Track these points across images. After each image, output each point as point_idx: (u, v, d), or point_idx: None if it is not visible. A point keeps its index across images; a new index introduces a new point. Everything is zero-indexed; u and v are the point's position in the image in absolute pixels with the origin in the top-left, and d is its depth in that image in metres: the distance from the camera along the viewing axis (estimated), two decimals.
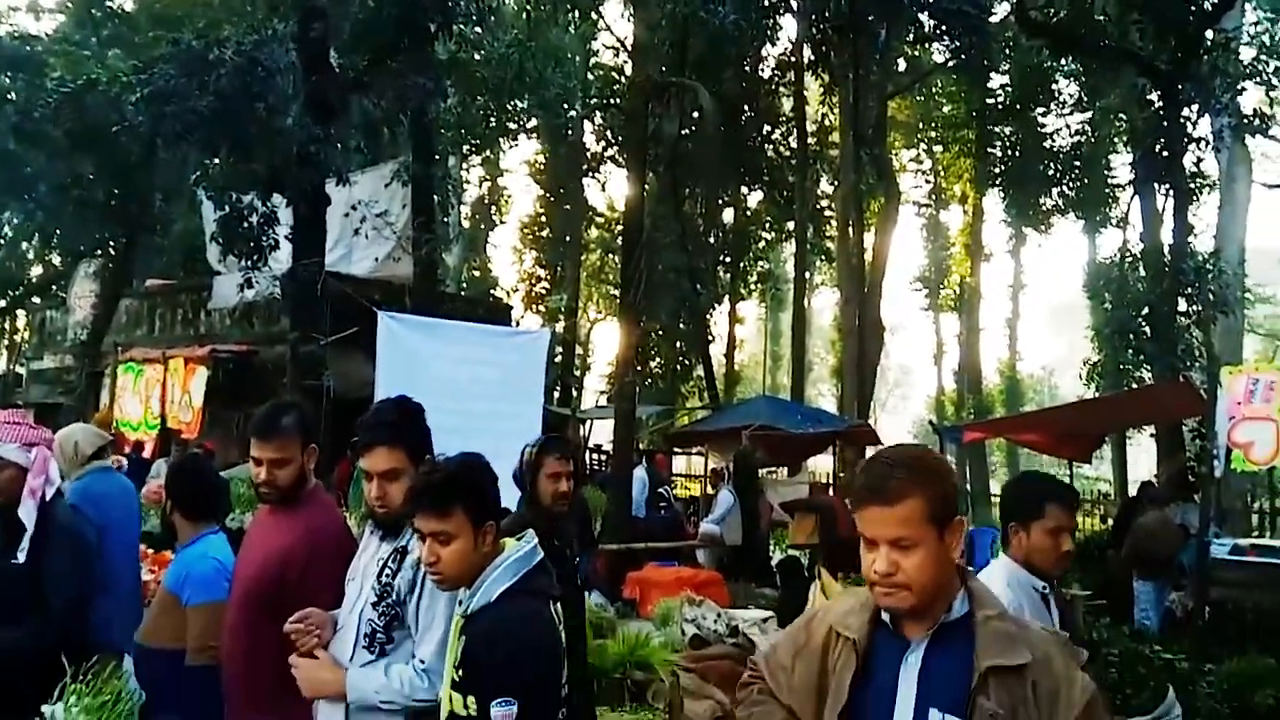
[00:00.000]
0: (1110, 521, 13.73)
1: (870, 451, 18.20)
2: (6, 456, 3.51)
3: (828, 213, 23.77)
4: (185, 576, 3.24)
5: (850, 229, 18.31)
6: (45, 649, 3.34)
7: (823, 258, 25.40)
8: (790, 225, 23.39)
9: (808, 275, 23.96)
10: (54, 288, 22.24)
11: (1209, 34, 13.24)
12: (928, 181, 31.03)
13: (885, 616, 1.73)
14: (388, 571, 2.46)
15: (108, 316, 15.63)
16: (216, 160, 10.55)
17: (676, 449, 18.64)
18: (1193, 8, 13.45)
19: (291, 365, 9.26)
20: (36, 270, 25.26)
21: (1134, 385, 14.00)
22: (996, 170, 25.78)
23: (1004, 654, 1.63)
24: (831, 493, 12.25)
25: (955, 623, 1.69)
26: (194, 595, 3.16)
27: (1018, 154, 24.69)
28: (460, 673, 2.11)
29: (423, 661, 2.35)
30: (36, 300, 22.82)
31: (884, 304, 18.99)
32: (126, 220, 14.76)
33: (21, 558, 3.47)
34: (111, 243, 16.18)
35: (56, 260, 23.11)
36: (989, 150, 25.51)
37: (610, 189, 27.03)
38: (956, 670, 1.64)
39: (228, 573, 3.08)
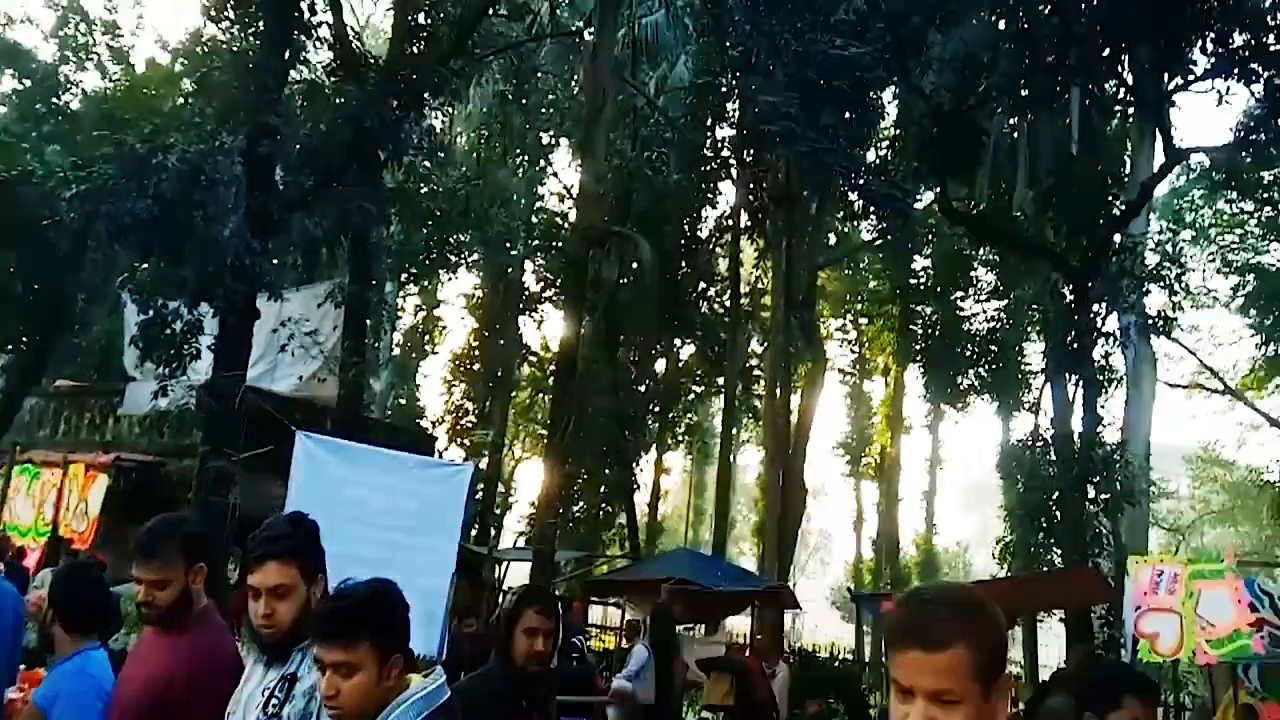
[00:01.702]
0: (1020, 706, 13.63)
1: (788, 616, 18.01)
2: None
3: (757, 372, 24.29)
4: (57, 695, 2.98)
5: (778, 389, 18.71)
6: None
7: (750, 415, 25.75)
8: (720, 380, 23.79)
9: (735, 431, 24.16)
10: None
11: (1117, 238, 14.25)
12: (853, 351, 32.04)
13: None
14: (274, 702, 2.28)
15: (10, 414, 14.87)
16: (146, 264, 10.36)
17: (593, 598, 18.12)
18: (1103, 213, 14.55)
19: (199, 480, 8.84)
20: None
21: (1044, 567, 14.22)
22: (918, 346, 26.80)
23: None
24: (748, 654, 11.94)
25: None
26: (63, 715, 2.88)
27: (938, 333, 25.75)
28: None
29: None
30: None
31: (807, 466, 19.23)
32: (45, 316, 14.31)
33: None
34: (24, 339, 15.59)
35: None
36: (911, 327, 26.58)
37: (546, 329, 27.28)
38: None
39: (105, 694, 2.82)
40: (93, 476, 11.76)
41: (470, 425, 26.24)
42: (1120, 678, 2.77)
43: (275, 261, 10.02)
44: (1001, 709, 1.47)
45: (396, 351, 27.63)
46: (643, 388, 24.33)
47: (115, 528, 11.80)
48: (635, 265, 19.40)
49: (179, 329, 9.20)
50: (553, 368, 20.13)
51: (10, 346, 16.60)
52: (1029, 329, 24.67)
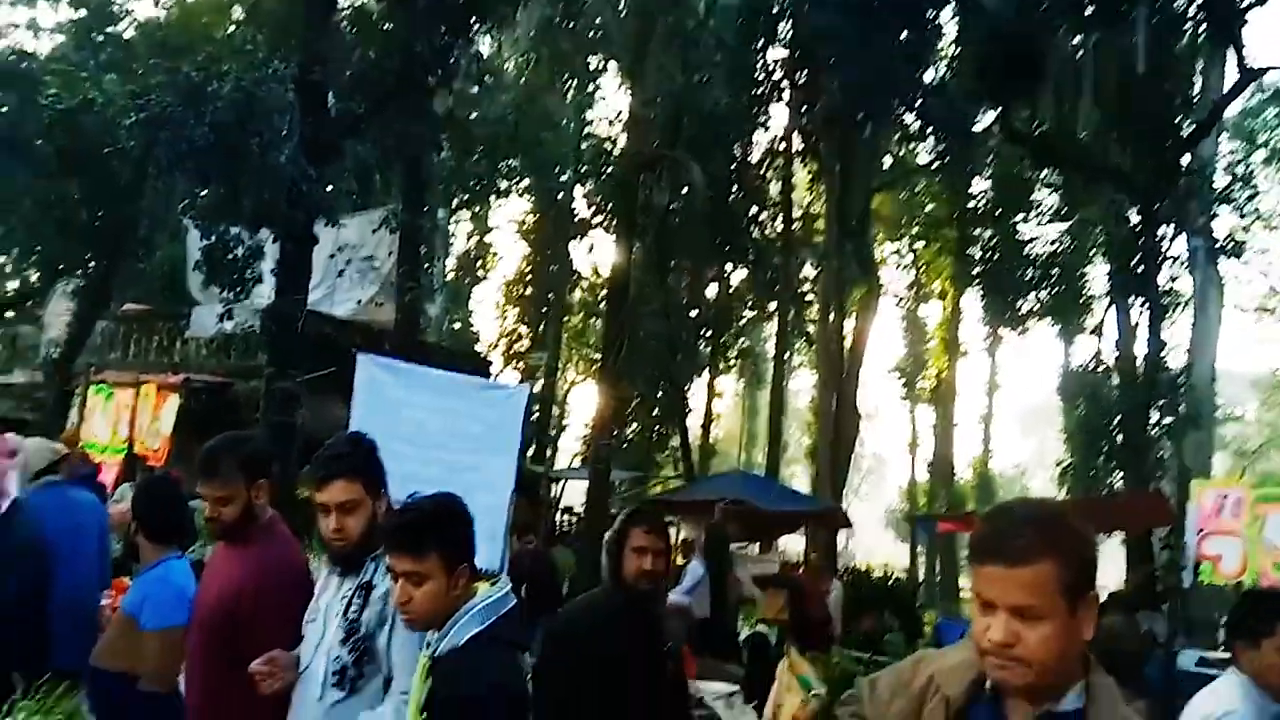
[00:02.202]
0: None
1: (841, 536, 18.17)
2: None
3: (810, 296, 24.05)
4: (144, 600, 3.16)
5: (831, 314, 18.53)
6: None
7: (803, 339, 25.60)
8: (772, 305, 23.63)
9: (787, 356, 24.08)
10: (29, 304, 21.93)
11: (1185, 159, 13.70)
12: (909, 275, 31.55)
13: (989, 685, 1.54)
14: (354, 608, 2.41)
15: (82, 337, 15.40)
16: (205, 191, 10.52)
17: None
18: (1170, 133, 13.95)
19: (265, 400, 9.12)
20: (12, 285, 24.95)
21: (1105, 491, 14.11)
22: (976, 270, 26.28)
23: None
24: (802, 572, 12.12)
25: (1064, 715, 1.49)
26: (152, 620, 3.07)
27: (997, 257, 25.19)
28: (424, 715, 2.06)
29: (405, 692, 2.26)
30: (10, 315, 22.46)
31: (861, 390, 19.15)
32: (109, 243, 14.64)
33: None
34: (92, 264, 16.01)
35: (34, 277, 22.84)
36: (969, 251, 26.02)
37: (597, 254, 27.23)
38: None
39: (187, 599, 2.97)
40: (164, 396, 12.18)
41: (524, 349, 26.53)
42: (1273, 605, 2.71)
43: (330, 188, 10.13)
44: (1087, 625, 1.46)
45: (450, 277, 27.86)
46: (694, 312, 24.25)
47: (187, 446, 12.26)
48: (685, 190, 19.17)
49: (240, 254, 9.39)
50: (604, 292, 20.16)
51: (79, 272, 17.09)
52: (1092, 252, 24.00)
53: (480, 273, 30.10)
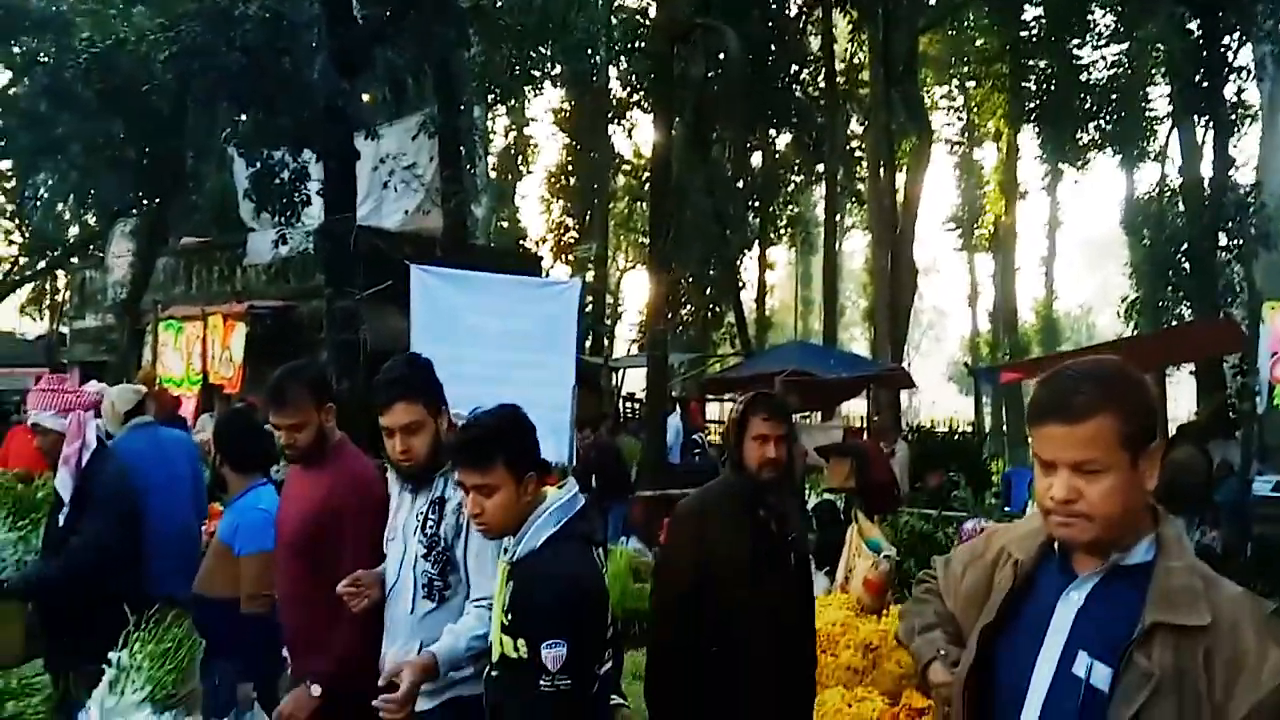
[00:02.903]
0: None
1: (905, 395, 18.21)
2: (44, 423, 3.61)
3: (858, 154, 23.43)
4: (236, 527, 3.37)
5: (881, 170, 18.06)
6: (53, 588, 3.60)
7: (853, 200, 25.09)
8: (820, 168, 23.10)
9: (838, 218, 23.67)
10: (91, 248, 22.50)
11: None
12: (960, 119, 30.42)
13: (1057, 545, 1.56)
14: (430, 523, 2.54)
15: (146, 275, 15.83)
16: (245, 117, 10.58)
17: (709, 396, 18.71)
18: None
19: (328, 320, 9.37)
20: (73, 231, 25.57)
21: (1173, 322, 13.83)
22: (1031, 105, 25.18)
23: (1178, 611, 1.41)
24: (866, 437, 12.27)
25: (1133, 568, 1.49)
26: (245, 545, 3.29)
27: (1053, 88, 24.07)
28: (509, 617, 2.19)
29: (482, 599, 2.43)
30: (75, 260, 23.14)
31: (916, 245, 18.79)
32: (159, 179, 14.86)
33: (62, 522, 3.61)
34: (145, 201, 16.30)
35: (92, 220, 23.36)
36: (1023, 85, 24.90)
37: (637, 136, 26.75)
38: (1120, 618, 1.45)
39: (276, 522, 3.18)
40: (231, 325, 12.61)
41: (572, 241, 26.53)
42: None
43: (365, 99, 10.08)
44: (1150, 476, 1.47)
45: (493, 176, 27.71)
46: (740, 184, 23.85)
47: (258, 371, 12.75)
48: (722, 57, 18.56)
49: (286, 178, 9.49)
50: (647, 175, 19.89)
51: (134, 211, 17.44)
52: (1153, 72, 22.78)
53: (522, 168, 29.87)
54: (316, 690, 2.63)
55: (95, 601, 3.44)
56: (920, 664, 1.77)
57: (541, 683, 2.10)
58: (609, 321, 26.93)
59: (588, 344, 19.51)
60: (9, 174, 25.34)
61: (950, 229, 32.20)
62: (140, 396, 4.92)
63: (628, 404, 19.32)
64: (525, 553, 2.21)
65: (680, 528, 2.94)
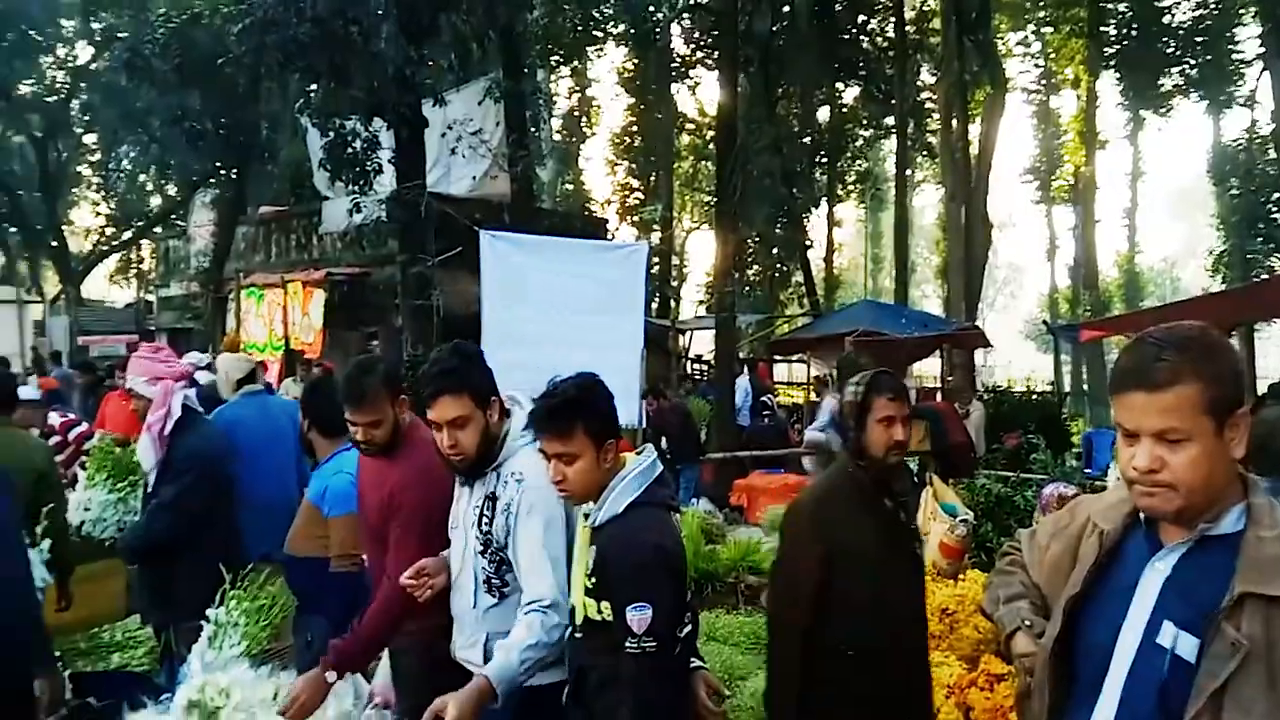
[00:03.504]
0: None
1: (979, 355, 17.84)
2: (137, 389, 3.77)
3: (929, 105, 22.79)
4: (325, 490, 3.46)
5: (954, 121, 17.58)
6: (136, 549, 3.85)
7: (925, 153, 24.46)
8: (889, 121, 22.57)
9: (909, 172, 23.14)
10: (174, 218, 23.27)
11: None
12: (1037, 66, 29.41)
13: (1143, 515, 1.54)
14: (485, 519, 2.53)
15: (226, 243, 16.32)
16: (317, 87, 10.76)
17: (777, 357, 18.61)
18: None
19: (402, 286, 9.56)
20: (156, 201, 26.44)
21: (1263, 275, 13.27)
22: (1111, 50, 24.17)
23: (1270, 581, 1.37)
24: (939, 398, 12.09)
25: (1222, 537, 1.45)
26: (333, 508, 3.38)
27: (1134, 31, 23.06)
28: (593, 580, 2.23)
29: (537, 600, 2.39)
30: (158, 231, 23.96)
31: (991, 199, 18.33)
32: (236, 150, 15.26)
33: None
34: (224, 172, 16.78)
35: (173, 191, 24.12)
36: (1103, 29, 23.89)
37: (701, 94, 26.43)
38: (1208, 588, 1.42)
39: None
40: (310, 292, 12.97)
41: (638, 202, 26.45)
42: None
43: (431, 64, 10.15)
44: (1238, 444, 1.43)
45: (558, 139, 27.71)
46: (807, 140, 23.44)
47: (336, 336, 13.11)
48: (788, 9, 18.17)
49: (358, 147, 9.64)
50: (712, 133, 19.67)
51: (213, 181, 17.96)
52: (1241, 13, 21.62)
53: (586, 130, 29.81)
54: (332, 677, 2.62)
55: (189, 561, 3.63)
56: (1004, 633, 1.77)
57: (627, 645, 2.15)
58: (675, 283, 26.90)
59: (654, 306, 19.54)
60: (94, 148, 26.29)
61: (1027, 181, 31.27)
62: (251, 365, 5.19)
63: (695, 366, 19.34)
64: (607, 518, 2.25)
65: (800, 524, 2.70)
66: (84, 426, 6.68)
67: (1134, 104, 26.58)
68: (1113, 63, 24.61)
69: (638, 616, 2.14)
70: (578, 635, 2.32)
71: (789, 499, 6.54)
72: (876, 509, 2.62)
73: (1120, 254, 32.76)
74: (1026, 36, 28.25)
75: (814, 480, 2.85)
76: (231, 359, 4.94)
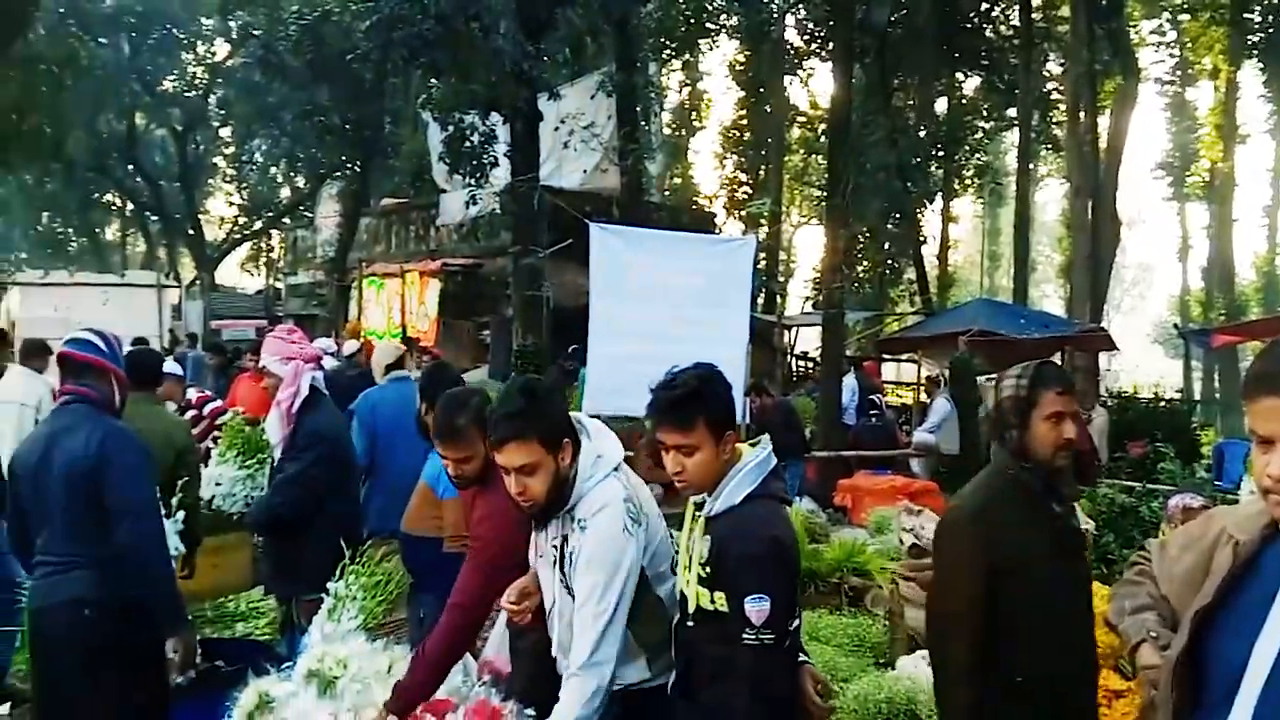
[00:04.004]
0: None
1: (1104, 359, 17.09)
2: (271, 368, 3.97)
3: (1055, 96, 21.87)
4: (439, 472, 3.56)
5: (1081, 113, 16.83)
6: (260, 523, 4.09)
7: (1049, 147, 23.49)
8: (1012, 112, 21.74)
9: (1031, 167, 22.25)
10: (302, 209, 24.37)
11: None
12: (1172, 55, 27.87)
13: None
14: (563, 562, 2.43)
15: (350, 234, 16.99)
16: (438, 82, 11.09)
17: (885, 355, 18.22)
18: None
19: (514, 277, 9.78)
20: (285, 193, 27.71)
21: None
22: (1254, 39, 22.68)
23: None
24: None
25: None
26: (447, 489, 3.45)
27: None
28: (708, 570, 2.23)
29: (579, 662, 2.29)
30: (287, 221, 25.12)
31: (1120, 195, 17.50)
32: (361, 144, 15.87)
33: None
34: (349, 165, 17.46)
35: (302, 183, 25.25)
36: (1246, 16, 22.41)
37: (814, 85, 26.02)
38: None
39: None
40: (426, 281, 13.39)
41: (746, 196, 26.27)
42: None
43: (547, 59, 10.35)
44: None
45: (667, 132, 27.78)
46: (923, 132, 22.80)
47: (449, 325, 13.51)
48: None
49: (476, 141, 9.91)
50: (824, 126, 19.36)
51: (339, 174, 18.73)
52: None
53: (696, 123, 29.77)
54: None
55: (312, 536, 3.81)
56: (1129, 645, 1.72)
57: (745, 636, 2.15)
58: (782, 279, 26.62)
59: (760, 301, 19.38)
60: (229, 141, 27.75)
61: (1158, 177, 29.71)
62: (400, 352, 5.55)
63: (800, 363, 19.11)
64: (724, 508, 2.25)
65: (958, 540, 2.41)
66: (218, 402, 7.08)
67: (1278, 96, 24.91)
68: (1255, 52, 23.11)
69: (756, 608, 2.14)
70: (689, 624, 2.31)
71: (895, 501, 6.44)
72: (1045, 517, 2.38)
73: (1259, 255, 30.82)
74: (1161, 24, 26.80)
75: (967, 489, 2.52)
76: (384, 346, 5.40)
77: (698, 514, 2.34)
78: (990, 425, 2.50)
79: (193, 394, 7.05)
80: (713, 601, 2.22)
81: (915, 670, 3.61)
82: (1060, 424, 2.37)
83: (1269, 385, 1.38)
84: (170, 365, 7.49)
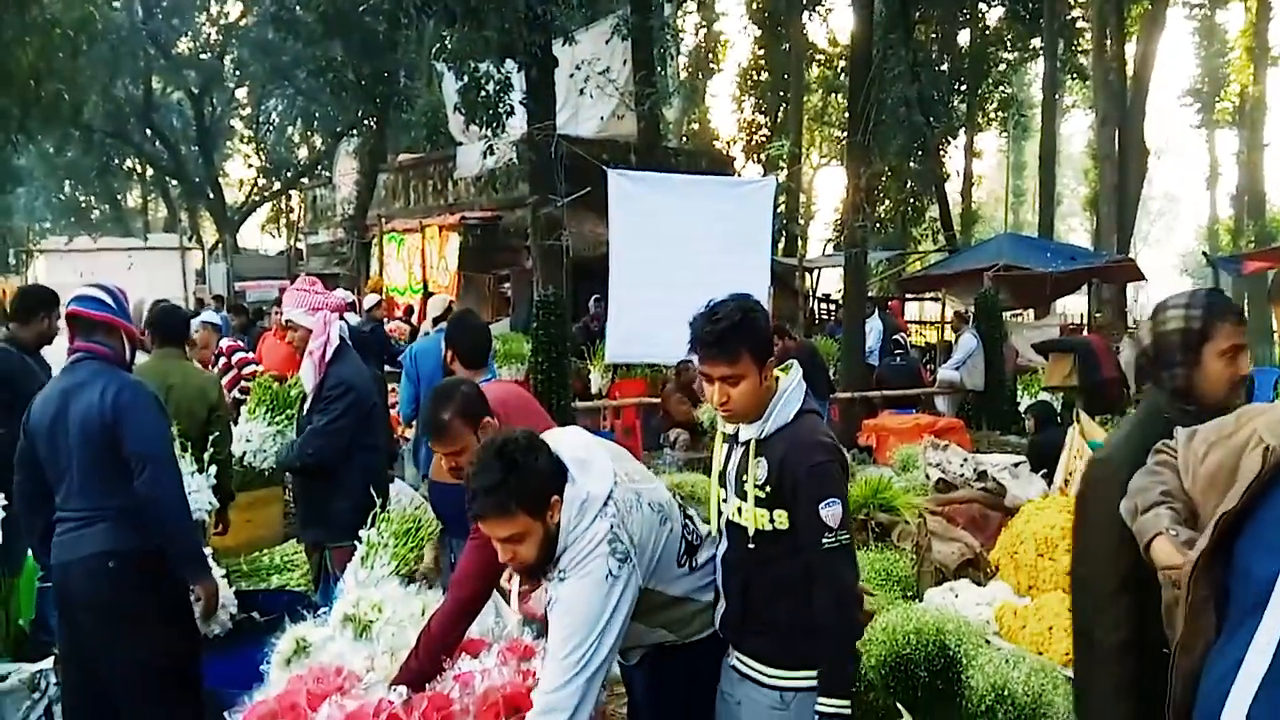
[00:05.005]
0: None
1: (1130, 291, 16.81)
2: (296, 320, 4.02)
3: (1081, 24, 21.27)
4: None
5: (1108, 40, 16.43)
6: (290, 468, 4.20)
7: (1074, 76, 22.89)
8: (1036, 42, 21.18)
9: (1057, 97, 21.72)
10: (320, 168, 24.33)
11: None
12: None
13: None
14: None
15: (369, 191, 16.97)
16: (452, 31, 10.94)
17: (909, 295, 18.06)
18: None
19: (532, 227, 9.73)
20: (303, 153, 27.68)
21: None
22: None
23: None
24: (1088, 333, 11.50)
25: None
26: None
27: None
28: (767, 490, 2.30)
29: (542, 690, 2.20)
30: (305, 181, 25.11)
31: (1147, 124, 17.11)
32: (376, 99, 15.75)
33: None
34: (365, 122, 17.38)
35: (319, 142, 25.18)
36: None
37: (832, 21, 25.50)
38: None
39: None
40: (445, 236, 13.37)
41: (765, 139, 25.92)
42: None
43: (561, 3, 10.17)
44: None
45: (684, 76, 27.34)
46: (945, 66, 22.29)
47: (470, 278, 13.54)
48: None
49: (492, 90, 9.80)
50: (844, 63, 18.98)
51: (355, 131, 18.64)
52: None
53: (713, 66, 29.28)
54: (400, 691, 2.46)
55: (343, 484, 3.88)
56: (1143, 541, 1.67)
57: (825, 541, 2.23)
58: (803, 221, 26.34)
59: (781, 245, 19.22)
60: (245, 102, 27.67)
61: (1186, 104, 28.99)
62: (447, 303, 5.80)
63: (823, 305, 19.00)
64: (777, 428, 2.32)
65: (1110, 493, 1.99)
66: (248, 354, 7.18)
67: None
68: None
69: (831, 511, 2.23)
70: (751, 547, 2.36)
71: (920, 439, 6.41)
72: None
73: None
74: None
75: (1118, 437, 2.26)
76: (434, 299, 5.78)
77: (738, 444, 2.40)
78: (1144, 363, 2.22)
79: (225, 343, 7.18)
80: (772, 521, 2.30)
81: (943, 601, 3.64)
82: (1236, 359, 2.08)
83: None
84: (208, 314, 7.67)
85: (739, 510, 2.38)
